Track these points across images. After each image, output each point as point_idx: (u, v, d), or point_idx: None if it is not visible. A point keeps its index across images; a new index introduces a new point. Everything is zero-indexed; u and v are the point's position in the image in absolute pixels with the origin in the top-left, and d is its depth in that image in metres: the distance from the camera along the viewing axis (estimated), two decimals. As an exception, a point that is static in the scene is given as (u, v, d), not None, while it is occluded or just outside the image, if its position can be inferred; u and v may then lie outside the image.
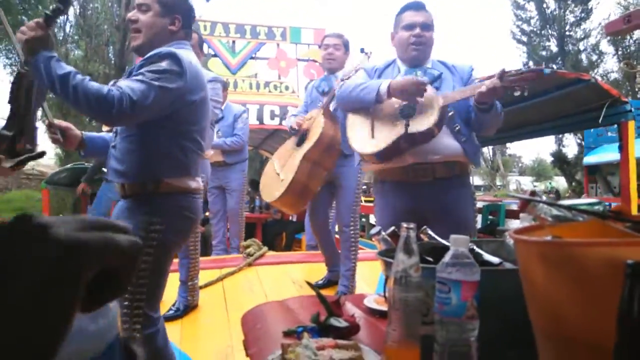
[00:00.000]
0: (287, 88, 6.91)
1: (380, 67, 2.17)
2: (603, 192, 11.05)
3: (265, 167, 3.17)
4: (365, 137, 2.00)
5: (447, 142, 2.01)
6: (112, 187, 5.53)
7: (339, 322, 1.08)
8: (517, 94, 1.94)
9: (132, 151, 1.68)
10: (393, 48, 2.23)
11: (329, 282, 3.37)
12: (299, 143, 2.96)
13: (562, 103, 4.14)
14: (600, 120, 4.13)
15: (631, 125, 4.04)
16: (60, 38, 15.91)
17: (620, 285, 0.47)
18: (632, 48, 19.42)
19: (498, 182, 29.96)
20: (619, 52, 19.80)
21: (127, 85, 1.53)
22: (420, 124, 1.91)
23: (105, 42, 15.95)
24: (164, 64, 1.61)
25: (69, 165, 7.16)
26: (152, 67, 1.60)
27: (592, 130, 9.45)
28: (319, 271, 3.52)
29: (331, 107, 3.02)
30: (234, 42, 6.95)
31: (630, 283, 0.46)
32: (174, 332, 2.47)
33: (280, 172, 2.91)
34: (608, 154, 9.63)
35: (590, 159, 10.43)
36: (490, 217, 7.00)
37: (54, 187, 6.87)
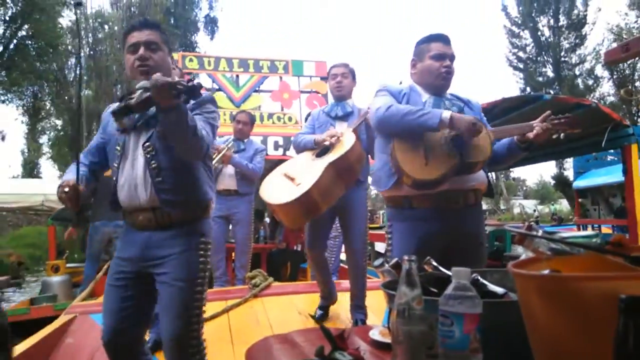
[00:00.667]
0: (290, 119, 7.00)
1: (406, 91, 2.19)
2: (605, 213, 11.01)
3: (271, 173, 3.00)
4: (420, 163, 1.99)
5: None
6: (98, 228, 5.75)
7: (343, 356, 1.07)
8: (554, 136, 2.09)
9: (187, 182, 1.80)
10: (405, 74, 2.32)
11: (327, 309, 3.34)
12: (320, 155, 2.91)
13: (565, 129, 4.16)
14: (603, 144, 4.15)
15: (634, 148, 4.05)
16: (71, 79, 16.68)
17: (616, 318, 0.48)
18: (627, 72, 19.72)
19: (502, 206, 29.90)
20: (614, 76, 20.17)
21: (201, 126, 1.73)
22: (475, 156, 1.97)
23: (113, 82, 16.53)
24: (211, 107, 1.85)
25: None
26: (205, 109, 1.82)
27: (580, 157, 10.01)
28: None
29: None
30: (237, 76, 7.07)
31: (624, 317, 0.47)
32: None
33: (296, 176, 2.78)
34: (597, 178, 10.22)
35: (579, 183, 10.86)
36: (496, 242, 6.94)
37: (60, 223, 6.96)
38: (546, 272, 0.66)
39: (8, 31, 12.29)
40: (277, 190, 2.77)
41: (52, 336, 2.83)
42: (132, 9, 18.13)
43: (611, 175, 9.57)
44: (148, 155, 1.76)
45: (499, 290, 1.10)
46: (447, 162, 1.97)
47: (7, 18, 11.95)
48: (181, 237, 1.78)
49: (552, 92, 19.50)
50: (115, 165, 1.84)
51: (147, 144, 1.76)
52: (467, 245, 2.08)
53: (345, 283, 4.02)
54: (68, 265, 6.64)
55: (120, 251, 1.85)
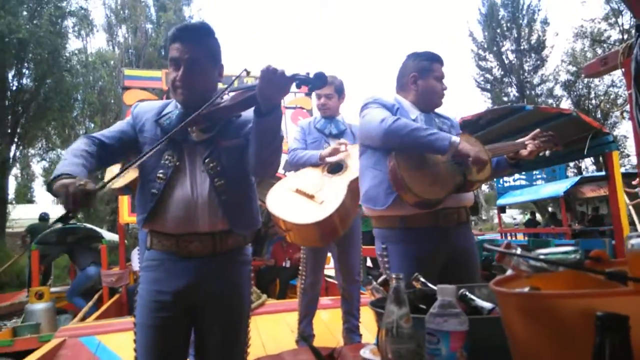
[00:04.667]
0: (275, 135, 7.03)
1: (398, 105, 2.14)
2: (574, 221, 12.82)
3: (275, 188, 2.71)
4: (426, 182, 1.94)
5: None
6: (90, 275, 5.99)
7: (334, 376, 1.07)
8: (541, 154, 2.18)
9: (248, 202, 1.65)
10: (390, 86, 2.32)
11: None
12: (333, 172, 2.72)
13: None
14: (585, 152, 4.22)
15: (615, 155, 4.12)
16: (76, 114, 18.60)
17: (594, 335, 0.50)
18: (584, 91, 21.72)
19: (483, 217, 30.43)
20: (572, 95, 22.16)
21: None
22: (477, 175, 1.95)
23: (114, 117, 17.72)
24: None
25: (58, 226, 7.41)
26: None
27: (500, 180, 13.35)
28: (319, 318, 3.47)
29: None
30: (223, 91, 7.10)
31: (600, 334, 0.48)
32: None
33: (314, 193, 2.53)
34: (513, 198, 13.41)
35: (501, 201, 13.67)
36: (484, 252, 6.97)
37: (43, 247, 6.95)
38: (526, 289, 0.68)
39: (38, 88, 14.95)
40: (296, 207, 2.48)
41: (42, 361, 2.78)
42: (130, 50, 19.89)
43: (522, 195, 13.05)
44: (212, 172, 1.55)
45: (487, 305, 1.11)
46: (451, 181, 1.96)
47: (37, 76, 14.69)
48: (235, 265, 1.62)
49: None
50: (162, 177, 1.54)
51: (209, 159, 1.55)
52: (464, 261, 2.07)
53: (326, 300, 4.01)
54: (52, 290, 6.55)
55: (159, 283, 1.54)
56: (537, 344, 0.57)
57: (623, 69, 2.40)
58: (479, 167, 1.92)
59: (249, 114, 1.58)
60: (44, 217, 8.40)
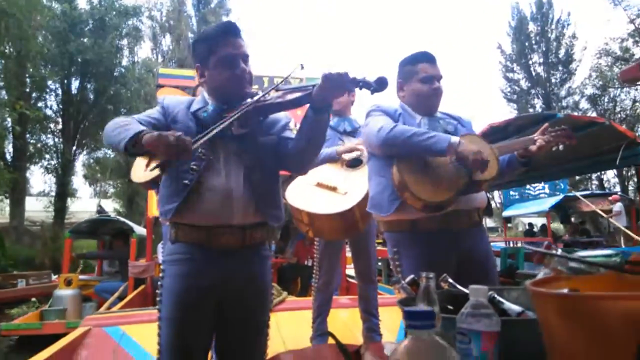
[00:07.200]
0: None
1: (400, 111, 2.14)
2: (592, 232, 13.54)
3: (294, 183, 2.73)
4: (430, 185, 1.92)
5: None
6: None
7: (360, 373, 1.08)
8: (554, 148, 2.08)
9: (279, 196, 1.70)
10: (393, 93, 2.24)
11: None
12: (352, 166, 2.75)
13: (577, 146, 4.14)
14: (617, 162, 4.10)
15: (650, 166, 4.02)
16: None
17: (636, 337, 0.49)
18: (610, 105, 21.93)
19: (509, 224, 30.23)
20: (597, 109, 22.24)
21: None
22: (483, 174, 1.91)
23: None
24: None
25: (93, 217, 7.82)
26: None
27: (507, 192, 14.13)
28: (338, 317, 3.47)
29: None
30: (252, 92, 7.18)
31: (645, 337, 0.47)
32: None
33: (337, 185, 2.56)
34: (518, 210, 14.45)
35: (507, 213, 14.97)
36: (509, 260, 6.89)
37: (76, 236, 7.26)
38: (565, 291, 0.67)
39: (97, 99, 17.24)
40: (319, 199, 2.51)
41: (66, 349, 2.84)
42: (173, 60, 21.49)
43: (527, 208, 13.92)
44: (249, 165, 1.58)
45: (516, 308, 1.10)
46: (456, 183, 1.93)
47: (98, 89, 17.01)
48: (260, 259, 1.64)
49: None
50: (195, 169, 1.53)
51: (246, 153, 1.59)
52: (478, 263, 2.03)
53: (345, 299, 3.98)
54: (81, 277, 6.73)
55: (189, 277, 1.52)
56: (576, 346, 0.57)
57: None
58: (482, 168, 1.86)
59: (278, 114, 1.70)
60: (102, 210, 8.95)
